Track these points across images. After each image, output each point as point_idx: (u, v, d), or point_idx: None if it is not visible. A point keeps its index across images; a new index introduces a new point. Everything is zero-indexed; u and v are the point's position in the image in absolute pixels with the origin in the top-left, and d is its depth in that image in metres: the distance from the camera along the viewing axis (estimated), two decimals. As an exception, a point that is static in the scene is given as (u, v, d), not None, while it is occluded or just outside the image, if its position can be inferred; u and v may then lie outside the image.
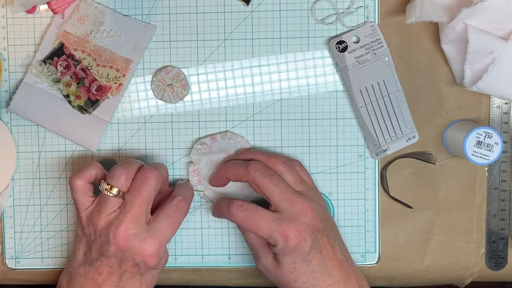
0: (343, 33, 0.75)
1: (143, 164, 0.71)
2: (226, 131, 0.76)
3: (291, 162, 0.72)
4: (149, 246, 0.67)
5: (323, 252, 0.68)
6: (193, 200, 0.75)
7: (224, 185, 0.74)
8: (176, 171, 0.77)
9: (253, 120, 0.76)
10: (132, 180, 0.69)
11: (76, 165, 0.77)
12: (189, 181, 0.76)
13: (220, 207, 0.71)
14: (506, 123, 0.76)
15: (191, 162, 0.76)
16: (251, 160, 0.71)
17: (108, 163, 0.76)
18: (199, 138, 0.76)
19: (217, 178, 0.74)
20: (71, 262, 0.71)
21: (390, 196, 0.77)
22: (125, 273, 0.68)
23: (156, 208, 0.70)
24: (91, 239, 0.69)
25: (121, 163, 0.70)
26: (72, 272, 0.70)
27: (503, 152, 0.76)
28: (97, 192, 0.70)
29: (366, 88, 0.74)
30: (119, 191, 0.68)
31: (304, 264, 0.67)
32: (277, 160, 0.70)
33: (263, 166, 0.70)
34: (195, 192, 0.75)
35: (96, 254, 0.68)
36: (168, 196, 0.72)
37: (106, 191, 0.68)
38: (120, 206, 0.68)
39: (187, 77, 0.76)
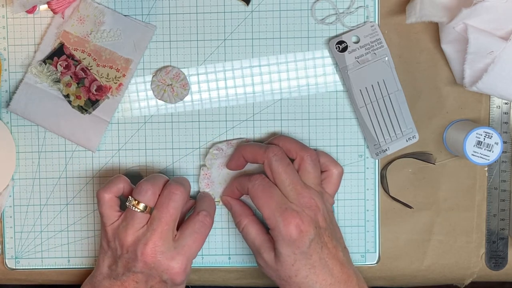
0: (343, 33, 0.75)
1: (168, 179, 0.71)
2: (242, 138, 0.76)
3: (317, 162, 0.72)
4: (176, 264, 0.68)
5: (324, 249, 0.68)
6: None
7: (241, 167, 0.74)
8: (176, 171, 0.77)
9: (253, 120, 0.76)
10: (159, 195, 0.69)
11: (76, 165, 0.77)
12: (210, 193, 0.76)
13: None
14: (506, 123, 0.76)
15: (204, 165, 0.76)
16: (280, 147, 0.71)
17: (130, 175, 0.76)
18: (215, 143, 0.76)
19: (235, 157, 0.73)
20: (95, 274, 0.71)
21: (390, 196, 0.77)
22: None
23: (179, 221, 0.70)
24: (117, 254, 0.69)
25: (147, 178, 0.71)
26: (96, 284, 0.70)
27: (503, 152, 0.76)
28: (123, 206, 0.70)
29: (366, 88, 0.74)
30: (146, 207, 0.68)
31: (304, 257, 0.67)
32: (306, 155, 0.70)
33: (282, 152, 0.70)
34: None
35: (123, 269, 0.68)
36: (189, 208, 0.73)
37: (134, 207, 0.68)
38: (147, 222, 0.68)
39: (187, 77, 0.76)
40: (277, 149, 0.69)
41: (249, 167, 0.75)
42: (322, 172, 0.72)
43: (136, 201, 0.68)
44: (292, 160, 0.71)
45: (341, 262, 0.69)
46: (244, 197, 0.75)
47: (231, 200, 0.74)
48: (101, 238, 0.72)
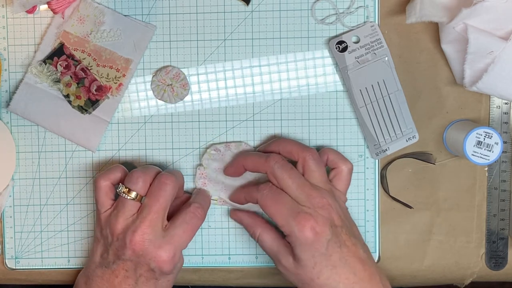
0: (343, 33, 0.75)
1: (160, 170, 0.72)
2: (241, 141, 0.76)
3: (321, 160, 0.72)
4: (164, 252, 0.68)
5: (343, 247, 0.67)
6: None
7: (239, 174, 0.74)
8: (176, 171, 0.77)
9: (253, 120, 0.76)
10: (150, 185, 0.70)
11: (76, 165, 0.77)
12: (206, 190, 0.76)
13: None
14: (506, 123, 0.76)
15: (200, 165, 0.76)
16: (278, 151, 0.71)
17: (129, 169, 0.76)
18: (213, 144, 0.76)
19: (234, 165, 0.73)
20: (89, 263, 0.72)
21: (390, 196, 0.77)
22: (141, 277, 0.68)
23: (172, 214, 0.71)
24: (108, 241, 0.70)
25: (139, 168, 0.71)
26: (89, 273, 0.71)
27: (503, 152, 0.76)
28: (118, 197, 0.71)
29: (366, 88, 0.74)
30: (137, 195, 0.69)
31: (324, 258, 0.67)
32: (308, 155, 0.70)
33: (283, 158, 0.70)
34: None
35: (113, 257, 0.69)
36: (184, 202, 0.73)
37: (124, 194, 0.69)
38: (138, 210, 0.69)
39: (187, 77, 0.76)
40: (278, 157, 0.70)
41: (246, 174, 0.74)
42: (331, 169, 0.72)
43: (127, 189, 0.69)
44: (295, 163, 0.70)
45: (362, 259, 0.68)
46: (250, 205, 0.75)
47: (240, 213, 0.74)
48: (95, 227, 0.72)
